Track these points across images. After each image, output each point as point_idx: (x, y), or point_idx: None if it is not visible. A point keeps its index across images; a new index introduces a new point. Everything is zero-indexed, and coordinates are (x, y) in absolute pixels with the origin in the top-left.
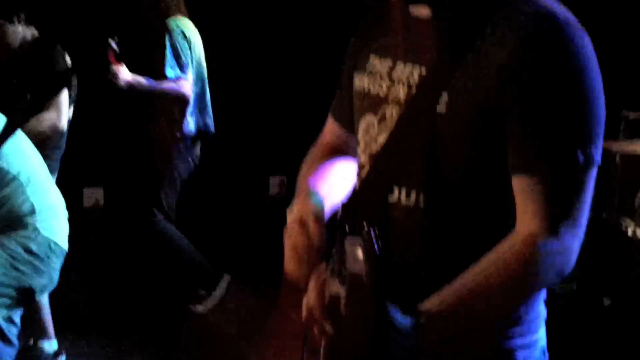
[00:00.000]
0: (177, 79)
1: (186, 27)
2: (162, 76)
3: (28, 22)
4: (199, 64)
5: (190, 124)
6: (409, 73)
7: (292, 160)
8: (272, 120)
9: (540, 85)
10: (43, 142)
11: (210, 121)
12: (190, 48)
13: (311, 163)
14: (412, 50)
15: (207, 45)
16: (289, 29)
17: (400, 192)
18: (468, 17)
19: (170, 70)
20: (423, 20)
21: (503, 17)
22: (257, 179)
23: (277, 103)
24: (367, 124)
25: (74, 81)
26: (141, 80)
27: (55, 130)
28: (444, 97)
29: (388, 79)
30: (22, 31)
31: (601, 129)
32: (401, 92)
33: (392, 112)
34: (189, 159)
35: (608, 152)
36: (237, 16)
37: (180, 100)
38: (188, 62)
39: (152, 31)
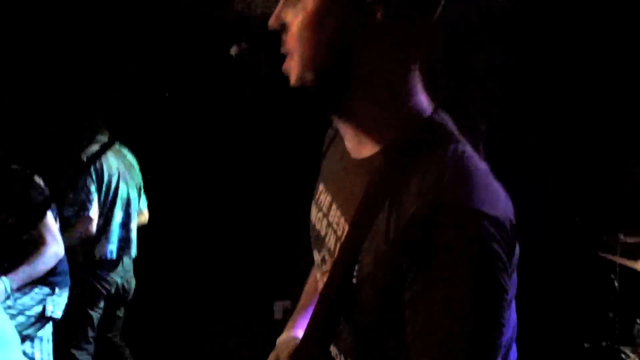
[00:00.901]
0: (77, 220)
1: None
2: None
3: None
4: (109, 188)
5: (94, 250)
6: (338, 222)
7: (296, 285)
8: (277, 245)
9: (422, 280)
10: (50, 270)
11: (114, 247)
12: (94, 179)
13: (305, 293)
14: (345, 196)
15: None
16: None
17: (333, 350)
18: (385, 171)
19: (70, 209)
20: (358, 163)
21: (414, 181)
22: (262, 303)
23: (282, 228)
24: (316, 261)
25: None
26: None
27: (59, 257)
28: (356, 267)
29: (327, 218)
30: None
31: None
32: (332, 241)
33: (327, 259)
34: (98, 286)
35: (607, 277)
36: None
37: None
38: (91, 198)
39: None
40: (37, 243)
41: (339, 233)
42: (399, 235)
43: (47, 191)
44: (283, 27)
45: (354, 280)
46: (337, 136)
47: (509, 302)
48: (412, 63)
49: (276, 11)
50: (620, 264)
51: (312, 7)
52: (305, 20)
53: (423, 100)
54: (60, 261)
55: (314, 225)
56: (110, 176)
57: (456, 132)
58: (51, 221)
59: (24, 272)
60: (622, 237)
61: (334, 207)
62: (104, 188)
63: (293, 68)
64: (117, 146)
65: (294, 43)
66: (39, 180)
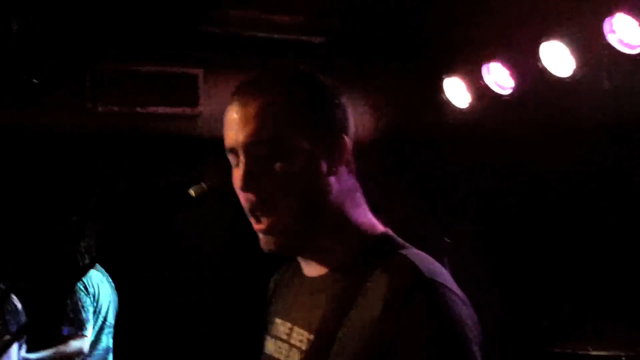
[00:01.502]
0: (74, 336)
1: (90, 279)
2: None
3: None
4: (100, 313)
5: None
6: (302, 340)
7: None
8: None
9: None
10: None
11: None
12: (92, 301)
13: None
14: (305, 313)
15: None
16: None
17: None
18: (346, 280)
19: (69, 328)
20: (314, 279)
21: (375, 282)
22: None
23: None
24: None
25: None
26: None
27: None
28: None
29: (287, 343)
30: None
31: None
32: (297, 358)
33: None
34: None
35: None
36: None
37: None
38: (89, 318)
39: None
40: None
41: (304, 347)
42: (375, 327)
43: (22, 315)
44: (256, 189)
45: None
46: (286, 275)
47: None
48: (355, 193)
49: (245, 174)
50: None
51: (295, 167)
52: (287, 180)
53: (370, 220)
54: None
55: (271, 356)
56: (102, 303)
57: (405, 243)
58: (13, 352)
59: None
60: (590, 350)
61: (295, 329)
62: (97, 312)
63: (277, 229)
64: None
65: (276, 201)
66: (16, 302)
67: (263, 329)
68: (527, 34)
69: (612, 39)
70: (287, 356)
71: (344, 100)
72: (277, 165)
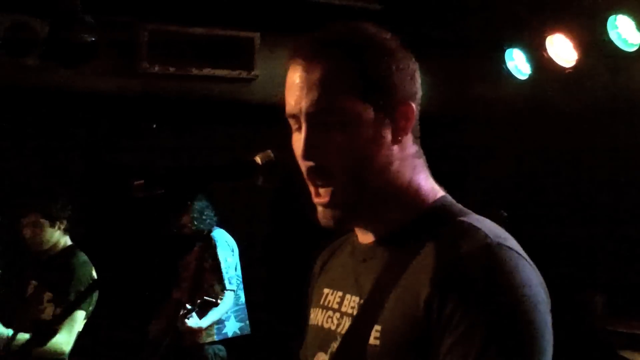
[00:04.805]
0: (227, 294)
1: (229, 237)
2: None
3: (65, 231)
4: (237, 268)
5: (225, 328)
6: (354, 306)
7: None
8: None
9: (463, 324)
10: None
11: (243, 324)
12: (233, 255)
13: None
14: (358, 280)
15: None
16: None
17: None
18: (402, 246)
19: (228, 284)
20: (368, 246)
21: (432, 248)
22: None
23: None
24: None
25: (95, 297)
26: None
27: (61, 353)
28: (376, 328)
29: (339, 312)
30: (57, 237)
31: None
32: (347, 324)
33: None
34: None
35: None
36: None
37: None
38: (234, 274)
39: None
40: None
41: (355, 312)
42: (430, 294)
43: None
44: (316, 158)
45: (374, 342)
46: (335, 250)
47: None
48: (418, 160)
49: (307, 142)
50: None
51: (358, 136)
52: (349, 150)
53: (430, 186)
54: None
55: (321, 326)
56: (236, 251)
57: (465, 209)
58: (79, 320)
59: None
60: None
61: (347, 297)
62: (236, 267)
63: (336, 201)
64: None
65: (336, 171)
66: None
67: (308, 304)
68: (594, 6)
69: None
70: (339, 324)
71: (412, 65)
72: (339, 135)
